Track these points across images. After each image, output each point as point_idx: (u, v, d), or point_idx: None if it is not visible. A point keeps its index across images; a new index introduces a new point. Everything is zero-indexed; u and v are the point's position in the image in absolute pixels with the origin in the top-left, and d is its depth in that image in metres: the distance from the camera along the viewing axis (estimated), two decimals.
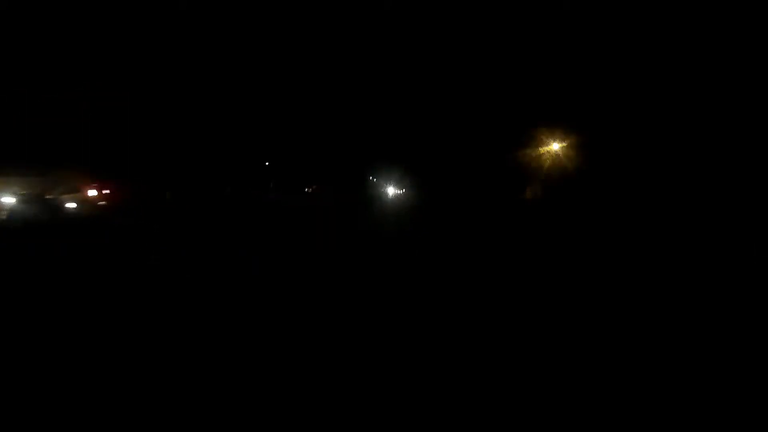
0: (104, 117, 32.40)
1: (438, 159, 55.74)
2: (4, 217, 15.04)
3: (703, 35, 29.09)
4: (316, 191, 61.88)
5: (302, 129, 58.95)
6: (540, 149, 36.99)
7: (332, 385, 3.31)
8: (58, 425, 2.77)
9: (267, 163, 51.42)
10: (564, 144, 35.47)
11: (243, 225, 16.57)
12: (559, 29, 35.22)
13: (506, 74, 41.24)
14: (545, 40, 37.38)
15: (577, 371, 3.58)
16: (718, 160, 28.54)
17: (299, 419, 2.87)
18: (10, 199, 15.85)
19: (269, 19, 53.71)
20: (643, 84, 30.26)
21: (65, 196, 18.54)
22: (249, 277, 6.81)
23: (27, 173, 20.54)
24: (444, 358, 3.76)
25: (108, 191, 21.47)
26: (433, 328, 4.56)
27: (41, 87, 29.48)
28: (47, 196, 17.03)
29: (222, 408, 2.96)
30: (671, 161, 28.46)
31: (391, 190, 70.86)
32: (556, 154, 36.07)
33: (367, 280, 6.72)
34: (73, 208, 18.55)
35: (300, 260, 8.52)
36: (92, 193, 20.36)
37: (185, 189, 40.05)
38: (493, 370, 3.56)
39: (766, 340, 4.23)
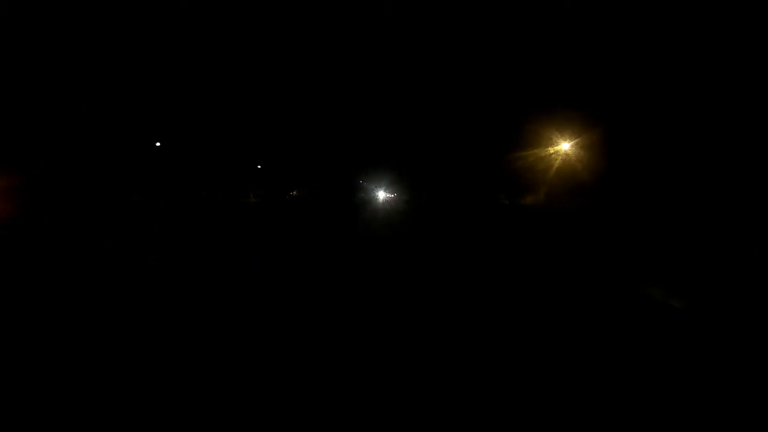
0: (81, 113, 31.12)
1: (431, 161, 52.80)
2: None
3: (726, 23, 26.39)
4: (299, 195, 58.20)
5: (289, 131, 55.50)
6: (546, 149, 33.96)
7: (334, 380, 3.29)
8: (58, 424, 2.73)
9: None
10: (575, 142, 32.44)
11: (216, 232, 14.63)
12: (566, 13, 32.32)
13: (507, 65, 38.22)
14: (551, 26, 34.47)
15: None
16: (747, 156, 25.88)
17: (299, 412, 2.88)
18: None
19: (259, 18, 51.48)
20: (672, 70, 27.34)
21: None
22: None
23: None
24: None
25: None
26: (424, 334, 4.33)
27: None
28: None
29: (224, 403, 2.94)
30: (705, 163, 25.73)
31: (382, 194, 68.71)
32: (566, 155, 33.01)
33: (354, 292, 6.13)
34: None
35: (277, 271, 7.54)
36: None
37: (158, 191, 36.25)
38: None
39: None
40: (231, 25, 49.60)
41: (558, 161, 33.45)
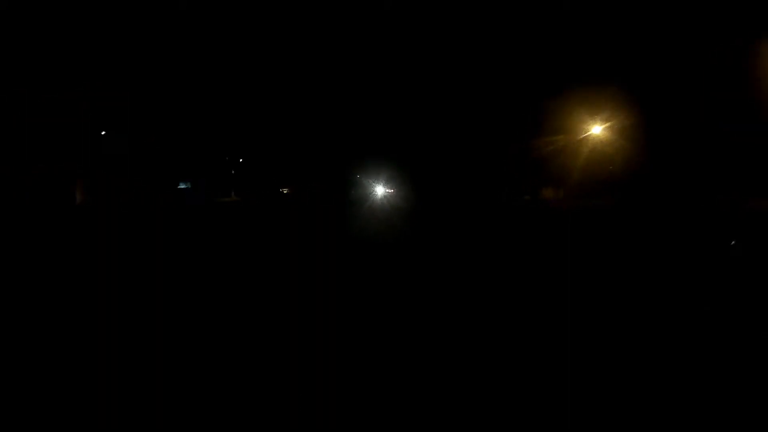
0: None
1: (437, 151, 47.60)
2: None
3: None
4: (291, 193, 52.87)
5: (278, 120, 50.37)
6: (573, 134, 28.37)
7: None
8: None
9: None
10: (609, 125, 26.82)
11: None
12: None
13: (521, 31, 32.70)
14: None
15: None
16: None
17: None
18: None
19: (258, 12, 48.46)
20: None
21: None
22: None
23: None
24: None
25: None
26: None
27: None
28: None
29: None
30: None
31: (381, 190, 64.35)
32: (599, 141, 27.41)
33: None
34: None
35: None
36: None
37: (111, 190, 31.09)
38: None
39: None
40: (232, 21, 46.72)
41: (588, 148, 27.86)
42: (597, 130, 27.33)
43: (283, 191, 54.16)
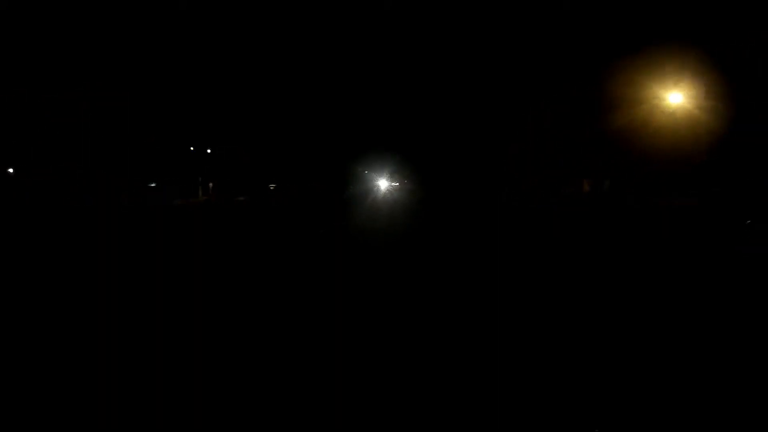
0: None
1: (439, 146, 42.13)
2: None
3: None
4: (279, 190, 46.01)
5: (266, 106, 43.83)
6: (637, 105, 20.64)
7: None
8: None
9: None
10: (692, 94, 18.98)
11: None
12: None
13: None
14: None
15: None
16: None
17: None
18: None
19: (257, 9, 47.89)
20: None
21: None
22: None
23: None
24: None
25: None
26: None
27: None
28: None
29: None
30: None
31: (384, 184, 58.90)
32: (678, 111, 19.56)
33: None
34: None
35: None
36: None
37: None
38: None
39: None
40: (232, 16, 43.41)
41: (658, 124, 20.07)
42: (677, 98, 19.54)
43: (271, 188, 47.42)
